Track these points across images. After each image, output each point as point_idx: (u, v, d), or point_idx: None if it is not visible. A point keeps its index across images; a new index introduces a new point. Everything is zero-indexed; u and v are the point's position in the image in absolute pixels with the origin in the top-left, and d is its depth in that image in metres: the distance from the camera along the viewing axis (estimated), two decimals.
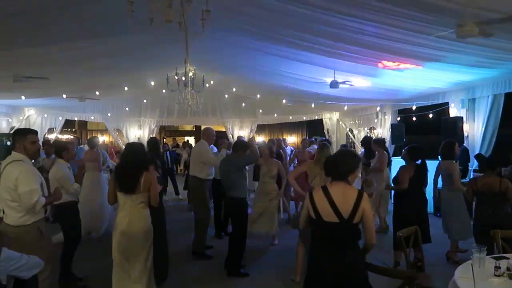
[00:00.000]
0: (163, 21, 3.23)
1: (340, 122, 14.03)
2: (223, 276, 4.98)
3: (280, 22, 5.01)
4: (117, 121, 14.71)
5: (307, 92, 9.76)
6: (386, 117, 10.81)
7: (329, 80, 7.78)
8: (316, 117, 14.89)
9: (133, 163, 3.70)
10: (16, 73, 7.03)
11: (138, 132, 14.85)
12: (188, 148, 14.47)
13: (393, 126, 10.06)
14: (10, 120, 12.15)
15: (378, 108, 10.92)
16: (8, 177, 3.36)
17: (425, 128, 12.53)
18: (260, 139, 17.71)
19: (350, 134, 13.34)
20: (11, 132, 11.76)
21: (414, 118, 9.47)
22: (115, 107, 13.60)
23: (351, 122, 13.25)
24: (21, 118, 12.56)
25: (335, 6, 4.02)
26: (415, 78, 7.08)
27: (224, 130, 14.97)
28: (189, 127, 22.27)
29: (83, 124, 19.67)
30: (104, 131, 18.35)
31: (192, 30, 5.00)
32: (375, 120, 11.35)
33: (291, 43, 5.83)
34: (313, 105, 12.02)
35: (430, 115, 9.04)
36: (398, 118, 10.42)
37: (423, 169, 5.02)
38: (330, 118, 14.40)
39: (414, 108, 9.08)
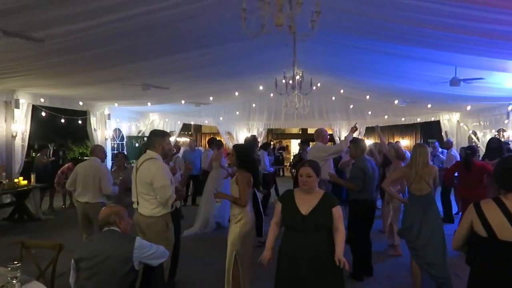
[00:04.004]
0: (273, 26, 3.29)
1: (461, 124, 12.67)
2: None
3: (391, 17, 4.72)
4: (228, 124, 15.58)
5: (422, 91, 9.04)
6: None
7: (449, 77, 7.08)
8: (433, 119, 13.73)
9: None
10: (145, 82, 7.90)
11: (247, 134, 15.49)
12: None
13: None
14: (138, 124, 13.73)
15: (510, 108, 9.58)
16: (145, 173, 3.72)
17: None
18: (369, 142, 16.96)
19: (473, 137, 11.95)
20: (140, 134, 13.30)
21: None
22: (226, 111, 14.40)
23: (475, 123, 11.86)
24: (146, 122, 14.10)
25: None
26: None
27: (331, 133, 14.75)
28: (295, 130, 22.46)
29: (198, 127, 21.30)
30: (216, 134, 19.58)
31: (300, 33, 5.02)
32: (505, 121, 9.97)
33: (404, 40, 5.45)
34: (429, 106, 11.10)
35: None
36: None
37: None
38: (449, 120, 13.12)
39: None
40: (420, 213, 4.13)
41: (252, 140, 7.07)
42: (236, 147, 4.34)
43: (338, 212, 2.99)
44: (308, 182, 3.01)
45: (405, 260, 5.59)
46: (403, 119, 14.05)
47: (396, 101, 10.96)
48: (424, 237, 4.06)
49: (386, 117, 13.95)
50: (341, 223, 2.99)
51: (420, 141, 19.35)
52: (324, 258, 2.91)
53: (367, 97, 10.90)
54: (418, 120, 14.30)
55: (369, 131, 16.05)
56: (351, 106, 12.83)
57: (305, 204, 3.00)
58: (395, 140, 16.12)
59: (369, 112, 13.71)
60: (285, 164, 18.88)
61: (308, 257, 2.91)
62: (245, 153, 4.12)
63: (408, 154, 6.22)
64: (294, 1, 3.44)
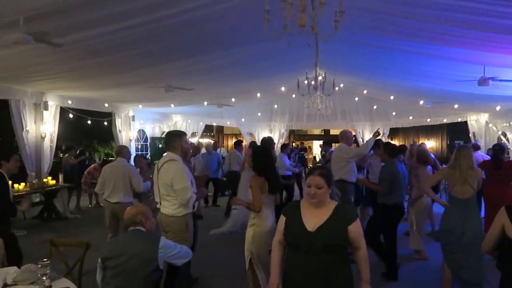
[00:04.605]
0: (295, 27, 3.28)
1: (490, 125, 12.26)
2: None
3: (418, 16, 4.61)
4: (250, 125, 15.61)
5: (448, 91, 8.80)
6: None
7: (476, 77, 6.87)
8: (460, 119, 13.35)
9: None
10: (168, 83, 8.01)
11: (269, 135, 15.49)
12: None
13: None
14: (161, 125, 13.94)
15: None
16: (165, 175, 3.79)
17: None
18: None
19: (503, 138, 11.55)
20: (163, 135, 13.49)
21: None
22: (248, 113, 14.44)
23: (505, 124, 11.44)
24: (170, 123, 14.30)
25: None
26: None
27: (354, 134, 14.57)
28: (317, 131, 22.29)
29: (220, 128, 21.44)
30: (238, 135, 19.66)
31: (322, 33, 4.98)
32: None
33: (431, 38, 5.32)
34: (456, 106, 10.80)
35: None
36: None
37: None
38: (476, 120, 12.72)
39: None
40: (462, 216, 4.02)
41: (268, 141, 6.94)
42: (254, 145, 4.27)
43: (356, 229, 2.43)
44: (317, 195, 2.46)
45: (431, 263, 5.48)
46: (428, 120, 13.73)
47: (421, 102, 10.72)
48: (465, 241, 3.95)
49: (411, 118, 13.66)
50: (362, 241, 2.50)
51: (447, 142, 18.87)
52: (334, 286, 2.41)
53: (391, 97, 10.70)
54: (444, 121, 13.95)
55: (393, 132, 15.78)
56: (375, 107, 12.63)
57: (313, 218, 2.46)
58: (420, 142, 15.79)
59: (393, 113, 13.47)
60: (309, 165, 18.77)
61: (314, 284, 2.39)
62: (261, 155, 3.97)
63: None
64: (317, 1, 3.42)
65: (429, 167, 5.97)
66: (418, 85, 8.72)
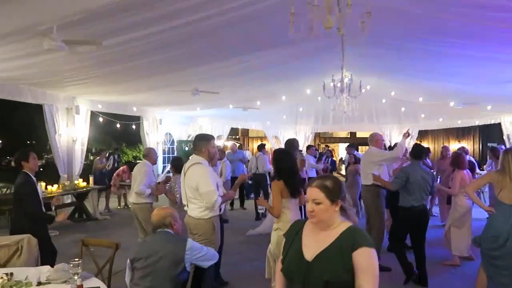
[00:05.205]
0: (321, 29, 3.25)
1: None
2: None
3: (451, 15, 4.48)
4: (275, 128, 15.59)
5: (481, 92, 8.52)
6: None
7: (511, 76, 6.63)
8: (493, 121, 12.89)
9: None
10: (194, 87, 8.13)
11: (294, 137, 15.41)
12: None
13: None
14: (187, 128, 14.14)
15: None
16: (191, 178, 3.84)
17: None
18: None
19: None
20: (190, 138, 13.68)
21: None
22: (273, 115, 14.43)
23: None
24: (196, 127, 14.47)
25: None
26: None
27: None
28: (343, 134, 22.04)
29: (245, 131, 21.55)
30: (263, 138, 19.68)
31: (348, 35, 4.92)
32: None
33: (460, 37, 5.16)
34: (489, 107, 10.43)
35: None
36: None
37: None
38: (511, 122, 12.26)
39: None
40: (509, 223, 3.83)
41: (291, 143, 6.69)
42: (275, 151, 4.30)
43: (362, 258, 1.77)
44: (315, 213, 1.88)
45: (462, 270, 5.31)
46: (459, 121, 13.33)
47: (451, 103, 10.41)
48: (509, 247, 3.78)
49: (440, 119, 13.30)
50: (368, 279, 1.76)
51: (479, 145, 18.23)
52: None
53: (420, 99, 10.44)
54: (477, 122, 13.51)
55: (422, 134, 15.40)
56: (403, 109, 12.35)
57: (314, 244, 1.91)
58: (450, 144, 15.33)
59: (422, 115, 13.13)
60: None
61: None
62: (279, 158, 3.96)
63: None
64: (343, 3, 3.38)
65: (466, 170, 5.77)
66: (448, 86, 8.48)
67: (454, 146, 16.94)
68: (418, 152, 5.05)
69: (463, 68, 6.91)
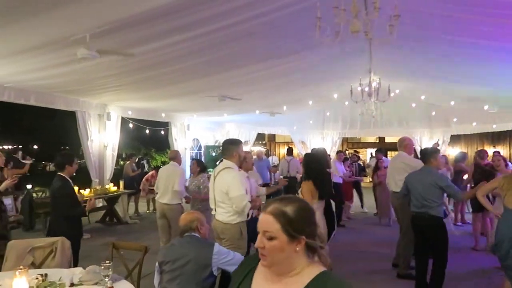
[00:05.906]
0: (348, 33, 3.22)
1: None
2: None
3: (482, 15, 4.34)
4: (302, 133, 15.49)
5: None
6: None
7: None
8: None
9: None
10: (221, 93, 8.21)
11: (321, 143, 15.26)
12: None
13: None
14: (214, 134, 14.28)
15: None
16: (222, 182, 3.87)
17: None
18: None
19: None
20: (217, 143, 13.81)
21: None
22: (299, 120, 14.35)
23: None
24: (223, 132, 14.59)
25: None
26: None
27: None
28: (371, 139, 21.63)
29: (271, 136, 21.54)
30: (290, 143, 19.60)
31: (377, 38, 4.85)
32: None
33: (494, 39, 4.97)
34: None
35: None
36: None
37: None
38: None
39: None
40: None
41: (322, 151, 6.54)
42: (305, 155, 4.32)
43: None
44: (266, 252, 1.32)
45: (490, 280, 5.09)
46: (494, 126, 12.80)
47: (485, 107, 10.03)
48: None
49: (474, 124, 12.81)
50: None
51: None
52: None
53: (452, 103, 10.12)
54: None
55: (454, 139, 14.91)
56: (433, 113, 12.01)
57: None
58: (484, 149, 14.75)
59: (454, 119, 12.72)
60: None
61: None
62: (311, 161, 4.04)
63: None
64: (370, 6, 3.34)
65: None
66: (482, 89, 8.17)
67: (489, 151, 16.29)
68: (422, 156, 4.81)
69: (497, 70, 6.65)
